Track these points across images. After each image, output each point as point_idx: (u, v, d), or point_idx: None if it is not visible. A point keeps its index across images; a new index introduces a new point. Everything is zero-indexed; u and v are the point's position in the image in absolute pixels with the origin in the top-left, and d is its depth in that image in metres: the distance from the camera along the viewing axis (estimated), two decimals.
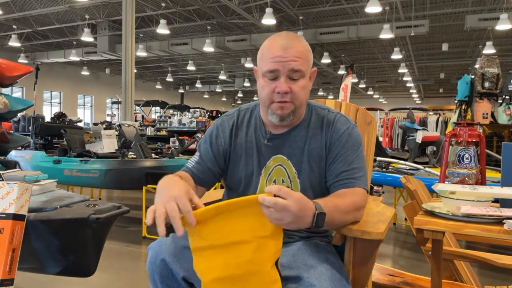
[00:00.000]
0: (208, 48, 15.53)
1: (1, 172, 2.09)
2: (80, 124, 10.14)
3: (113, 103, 23.88)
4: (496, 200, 1.38)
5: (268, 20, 11.93)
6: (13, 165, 3.62)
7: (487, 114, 5.32)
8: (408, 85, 25.49)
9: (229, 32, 16.70)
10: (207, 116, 10.97)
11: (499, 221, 1.23)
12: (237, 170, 1.40)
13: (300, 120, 1.38)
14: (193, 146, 8.05)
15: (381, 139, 12.35)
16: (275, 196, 1.03)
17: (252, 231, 1.08)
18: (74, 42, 18.53)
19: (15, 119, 8.90)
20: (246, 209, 1.07)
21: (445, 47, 16.08)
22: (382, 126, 13.06)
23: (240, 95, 35.24)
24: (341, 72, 18.02)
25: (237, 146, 1.41)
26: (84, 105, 25.28)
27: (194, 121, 9.95)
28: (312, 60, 1.33)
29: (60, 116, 8.74)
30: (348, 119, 1.40)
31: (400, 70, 20.05)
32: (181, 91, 32.05)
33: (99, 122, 10.64)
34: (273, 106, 1.30)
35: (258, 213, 1.07)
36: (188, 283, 1.21)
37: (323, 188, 1.35)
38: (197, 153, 1.45)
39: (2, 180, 1.85)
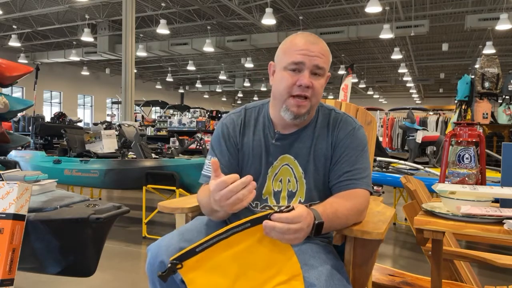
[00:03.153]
0: (208, 48, 15.52)
1: (1, 172, 2.09)
2: (80, 124, 10.14)
3: (113, 103, 23.86)
4: (496, 200, 1.38)
5: (268, 20, 11.92)
6: (13, 165, 3.62)
7: (487, 114, 5.31)
8: (408, 85, 25.49)
9: (229, 32, 16.69)
10: (207, 116, 10.97)
11: (499, 221, 1.23)
12: (245, 168, 1.39)
13: (309, 121, 1.38)
14: (193, 146, 8.06)
15: (381, 139, 12.35)
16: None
17: (272, 279, 1.04)
18: (74, 42, 18.54)
19: (15, 119, 8.89)
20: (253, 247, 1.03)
21: (445, 47, 16.08)
22: (382, 126, 13.06)
23: (240, 95, 35.24)
24: (341, 72, 18.02)
25: (244, 145, 1.40)
26: (84, 105, 25.27)
27: (194, 121, 9.96)
28: (330, 63, 1.35)
29: (60, 116, 8.74)
30: (354, 119, 1.40)
31: (400, 70, 20.05)
32: (181, 91, 32.05)
33: (99, 122, 10.63)
34: (289, 102, 1.28)
35: (270, 251, 1.03)
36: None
37: (327, 188, 1.36)
38: (210, 157, 1.40)
39: (2, 180, 1.85)
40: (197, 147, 8.11)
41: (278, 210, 1.03)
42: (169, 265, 0.99)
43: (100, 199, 6.08)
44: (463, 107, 5.70)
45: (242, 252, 1.03)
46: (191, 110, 12.40)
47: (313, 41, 1.28)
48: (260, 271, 1.04)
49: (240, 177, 1.37)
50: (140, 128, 7.90)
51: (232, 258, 1.03)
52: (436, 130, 11.41)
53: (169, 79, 26.02)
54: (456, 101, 6.13)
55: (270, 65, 1.37)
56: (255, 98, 34.68)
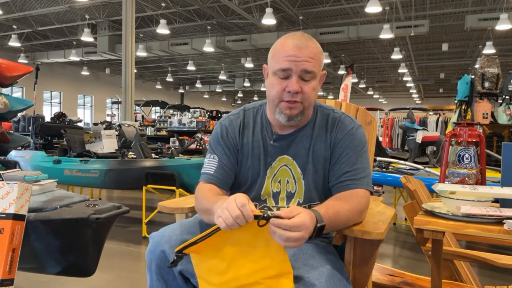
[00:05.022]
0: (208, 48, 15.52)
1: (1, 172, 2.09)
2: (80, 124, 10.13)
3: (113, 103, 23.86)
4: (496, 200, 1.38)
5: (268, 20, 11.92)
6: (13, 165, 3.62)
7: (487, 114, 5.31)
8: (408, 85, 25.49)
9: (229, 32, 16.69)
10: (207, 116, 10.96)
11: (499, 221, 1.23)
12: (243, 169, 1.39)
13: (307, 121, 1.37)
14: (193, 146, 8.05)
15: (381, 139, 12.35)
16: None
17: (262, 271, 1.08)
18: (74, 42, 18.53)
19: (15, 119, 8.90)
20: (252, 237, 1.07)
21: (445, 47, 16.07)
22: (382, 126, 13.06)
23: (240, 95, 35.23)
24: (341, 72, 18.01)
25: (243, 146, 1.40)
26: (84, 105, 25.26)
27: (194, 121, 9.95)
28: (323, 63, 1.33)
29: (60, 116, 8.74)
30: (353, 119, 1.39)
31: (400, 70, 20.04)
32: (181, 91, 32.04)
33: (99, 122, 10.63)
34: (281, 105, 1.29)
35: (265, 245, 1.07)
36: (184, 277, 1.21)
37: (327, 189, 1.35)
38: (211, 156, 1.40)
39: (2, 180, 1.85)
40: (197, 147, 8.11)
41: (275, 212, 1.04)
42: (175, 257, 1.07)
43: (100, 199, 6.08)
44: (463, 107, 5.70)
45: (238, 242, 1.08)
46: (191, 110, 12.39)
47: (301, 45, 1.26)
48: (252, 261, 1.08)
49: (238, 177, 1.39)
50: (140, 128, 7.90)
51: (228, 245, 1.08)
52: (436, 130, 11.41)
53: (169, 79, 26.01)
54: (456, 101, 6.13)
55: (264, 68, 1.37)
56: (255, 98, 34.67)
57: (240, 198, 1.05)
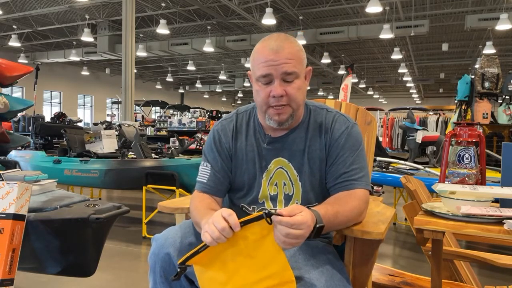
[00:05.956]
0: (208, 48, 15.52)
1: (1, 172, 2.09)
2: (80, 124, 10.14)
3: (113, 103, 23.86)
4: (496, 200, 1.38)
5: (268, 20, 11.93)
6: (13, 165, 3.62)
7: (487, 114, 5.31)
8: (408, 85, 25.49)
9: (229, 32, 16.69)
10: (207, 116, 10.97)
11: (499, 221, 1.23)
12: (239, 173, 1.38)
13: (299, 122, 1.36)
14: (193, 146, 8.06)
15: (381, 139, 12.36)
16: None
17: (264, 281, 1.07)
18: (74, 42, 18.53)
19: (15, 119, 8.90)
20: (254, 241, 1.06)
21: (445, 47, 16.08)
22: (382, 126, 13.07)
23: (240, 95, 35.24)
24: (341, 72, 18.02)
25: (238, 150, 1.39)
26: (84, 105, 25.27)
27: (194, 121, 9.96)
28: (305, 59, 1.31)
29: (60, 116, 8.74)
30: (348, 118, 1.38)
31: (400, 70, 20.05)
32: (181, 91, 32.04)
33: (99, 122, 10.63)
34: (269, 112, 1.28)
35: (266, 255, 1.06)
36: (189, 280, 1.21)
37: (324, 189, 1.35)
38: (204, 164, 1.40)
39: (2, 180, 1.85)
40: (197, 147, 8.12)
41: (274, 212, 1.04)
42: (178, 269, 1.08)
43: (100, 199, 6.08)
44: (463, 107, 5.70)
45: (238, 252, 1.07)
46: (191, 110, 12.40)
47: (276, 48, 1.24)
48: (253, 271, 1.08)
49: (235, 182, 1.39)
50: (140, 128, 7.91)
51: (229, 256, 1.08)
52: (436, 130, 11.42)
53: (169, 79, 26.02)
54: (456, 101, 6.13)
55: (249, 74, 1.36)
56: None
57: (226, 210, 1.06)
